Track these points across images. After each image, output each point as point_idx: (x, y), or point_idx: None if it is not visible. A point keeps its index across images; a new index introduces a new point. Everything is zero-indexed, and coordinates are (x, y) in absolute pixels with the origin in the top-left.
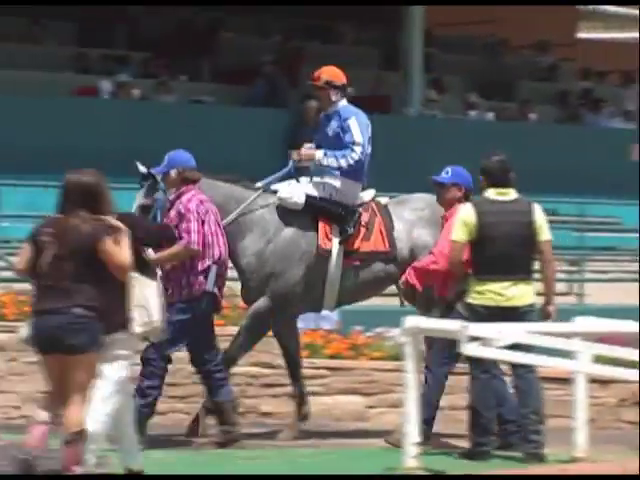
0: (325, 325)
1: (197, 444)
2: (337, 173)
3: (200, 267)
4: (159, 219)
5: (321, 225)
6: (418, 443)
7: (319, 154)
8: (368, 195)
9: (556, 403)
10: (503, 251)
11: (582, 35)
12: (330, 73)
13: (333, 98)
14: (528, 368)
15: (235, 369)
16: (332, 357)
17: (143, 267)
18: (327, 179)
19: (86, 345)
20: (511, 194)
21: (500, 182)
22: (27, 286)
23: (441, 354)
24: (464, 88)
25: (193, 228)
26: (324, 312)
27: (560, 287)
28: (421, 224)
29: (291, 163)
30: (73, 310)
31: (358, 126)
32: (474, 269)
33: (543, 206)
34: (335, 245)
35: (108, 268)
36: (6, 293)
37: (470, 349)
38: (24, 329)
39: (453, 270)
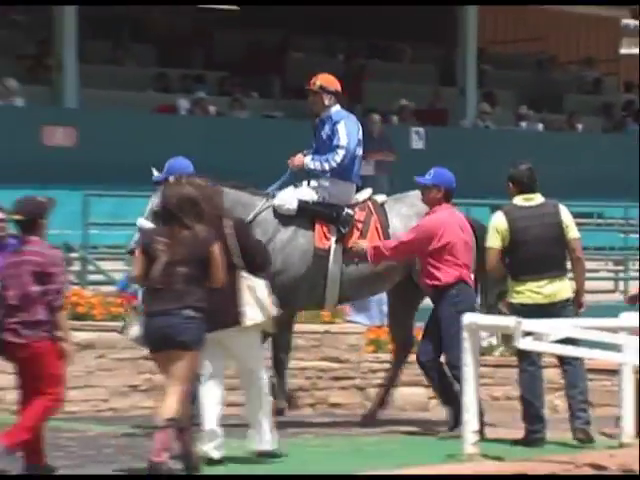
0: (375, 321)
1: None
2: (328, 175)
3: None
4: None
5: (317, 226)
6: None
7: (307, 160)
8: (364, 195)
9: (603, 393)
10: (536, 252)
11: (624, 51)
12: (324, 79)
13: (326, 102)
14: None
15: (306, 363)
16: None
17: (254, 268)
18: (321, 182)
19: (193, 343)
20: (537, 199)
21: (527, 189)
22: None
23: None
24: (515, 101)
25: None
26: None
27: (607, 285)
28: (417, 218)
29: (289, 170)
30: (183, 311)
31: (345, 129)
32: (511, 271)
33: (590, 210)
34: (333, 244)
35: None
36: (95, 295)
37: (524, 343)
38: (134, 329)
39: (491, 274)
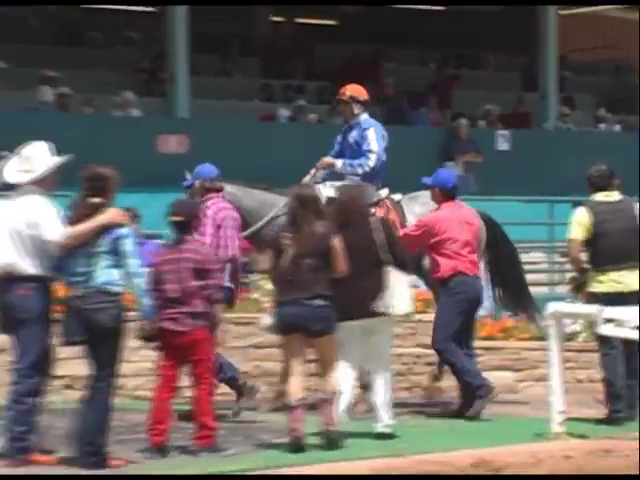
0: (479, 312)
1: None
2: (357, 178)
3: None
4: None
5: None
6: None
7: (338, 163)
8: (383, 193)
9: None
10: (616, 244)
11: None
12: (354, 90)
13: (355, 111)
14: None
15: (403, 350)
16: (486, 338)
17: (398, 263)
18: (346, 182)
19: (328, 328)
20: (615, 196)
21: (603, 187)
22: None
23: None
24: (594, 104)
25: (207, 232)
26: None
27: None
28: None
29: (314, 170)
30: (314, 301)
31: (375, 136)
32: (593, 262)
33: None
34: None
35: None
36: None
37: (606, 330)
38: (266, 318)
39: (573, 264)
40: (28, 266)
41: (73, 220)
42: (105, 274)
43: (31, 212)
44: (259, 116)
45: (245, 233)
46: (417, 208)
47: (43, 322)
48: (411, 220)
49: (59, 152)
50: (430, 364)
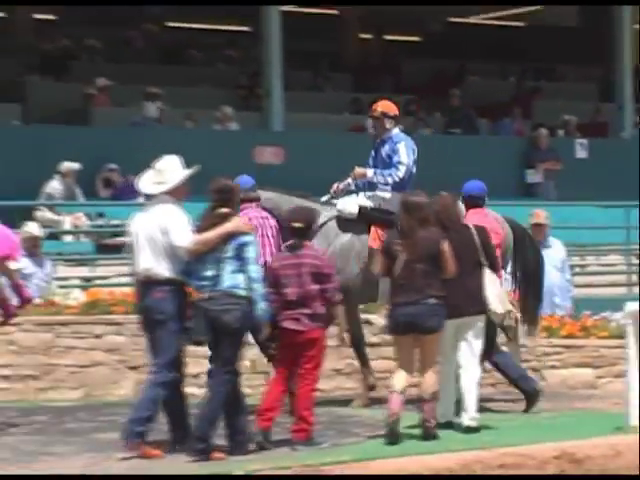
0: (559, 311)
1: None
2: (388, 188)
3: None
4: None
5: (373, 229)
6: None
7: (370, 173)
8: None
9: None
10: None
11: None
12: (385, 106)
13: (387, 126)
14: None
15: None
16: (566, 337)
17: (491, 265)
18: (378, 193)
19: (438, 327)
20: None
21: None
22: None
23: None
24: None
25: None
26: (558, 301)
27: None
28: None
29: (349, 180)
30: (428, 301)
31: (405, 149)
32: None
33: None
34: None
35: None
36: None
37: None
38: (379, 319)
39: None
40: (164, 270)
41: (201, 228)
42: (231, 278)
43: (164, 220)
44: (348, 128)
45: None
46: None
47: (178, 322)
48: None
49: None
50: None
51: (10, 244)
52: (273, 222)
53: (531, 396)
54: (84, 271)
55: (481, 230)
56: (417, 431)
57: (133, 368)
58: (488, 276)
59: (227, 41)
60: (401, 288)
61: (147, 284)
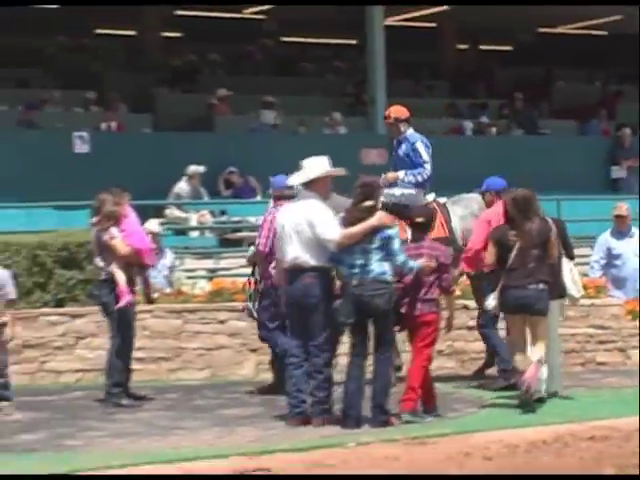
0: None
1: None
2: (411, 184)
3: (268, 265)
4: None
5: (397, 222)
6: None
7: (401, 174)
8: (430, 197)
9: None
10: None
11: None
12: (396, 111)
13: (402, 129)
14: None
15: (576, 330)
16: None
17: (568, 253)
18: (403, 189)
19: (545, 309)
20: None
21: None
22: None
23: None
24: None
25: (261, 234)
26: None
27: None
28: (471, 217)
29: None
30: (537, 285)
31: (424, 148)
32: None
33: None
34: (409, 235)
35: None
36: None
37: None
38: (490, 300)
39: None
40: (311, 259)
41: (348, 222)
42: (378, 266)
43: (311, 214)
44: (446, 131)
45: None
46: (460, 210)
47: (326, 305)
48: (454, 219)
49: (279, 166)
50: (602, 342)
51: (144, 242)
52: None
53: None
54: (209, 263)
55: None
56: (512, 404)
57: (254, 350)
58: (568, 264)
59: (335, 53)
60: (514, 273)
61: (296, 271)
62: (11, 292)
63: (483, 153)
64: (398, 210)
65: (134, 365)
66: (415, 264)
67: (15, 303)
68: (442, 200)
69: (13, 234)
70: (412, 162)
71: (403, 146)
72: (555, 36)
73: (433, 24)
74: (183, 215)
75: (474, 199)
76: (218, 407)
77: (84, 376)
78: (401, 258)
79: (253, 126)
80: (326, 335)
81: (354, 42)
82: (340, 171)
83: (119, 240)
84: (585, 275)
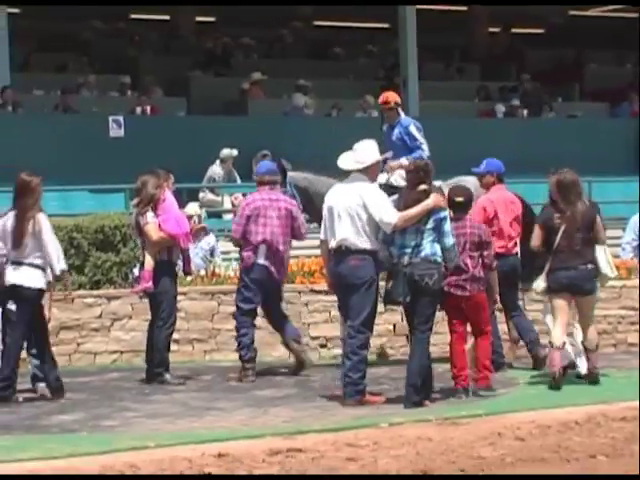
0: None
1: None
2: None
3: (245, 247)
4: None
5: None
6: None
7: (404, 161)
8: None
9: None
10: None
11: None
12: (394, 97)
13: (398, 114)
14: None
15: (608, 312)
16: None
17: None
18: (397, 175)
19: (594, 289)
20: None
21: None
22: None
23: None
24: None
25: (234, 220)
26: None
27: None
28: None
29: (386, 174)
30: (586, 266)
31: (417, 131)
32: None
33: None
34: None
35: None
36: None
37: None
38: (539, 282)
39: None
40: (359, 241)
41: (405, 205)
42: (430, 247)
43: (365, 197)
44: (477, 114)
45: None
46: None
47: (371, 287)
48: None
49: (312, 149)
50: (633, 323)
51: (184, 227)
52: (283, 204)
53: (538, 361)
54: None
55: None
56: (543, 385)
57: None
58: (599, 246)
59: (368, 37)
60: (562, 255)
61: (343, 253)
62: (48, 275)
63: (514, 136)
64: (391, 193)
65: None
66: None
67: (52, 285)
68: (437, 183)
69: (50, 217)
70: (407, 146)
71: (396, 130)
72: (586, 18)
73: (464, 7)
74: (217, 198)
75: (469, 182)
76: (252, 388)
77: (120, 357)
78: (449, 241)
79: (286, 110)
80: (365, 317)
81: (386, 26)
82: (388, 154)
83: (152, 225)
84: (616, 257)
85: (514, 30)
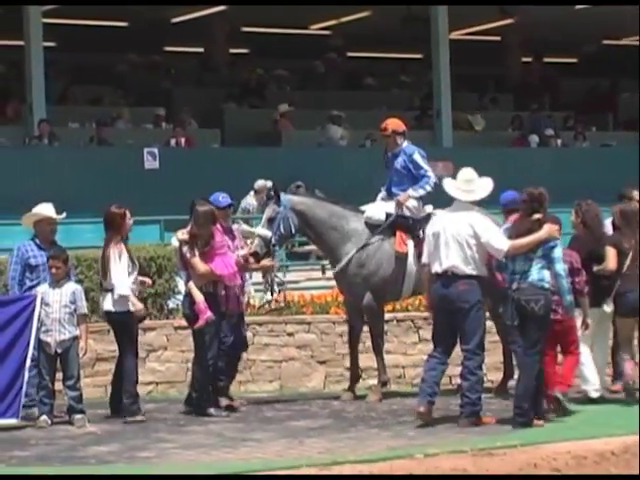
0: None
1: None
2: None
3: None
4: (281, 227)
5: (398, 234)
6: None
7: (412, 192)
8: (429, 209)
9: None
10: None
11: None
12: (394, 124)
13: (398, 142)
14: None
15: None
16: None
17: None
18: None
19: None
20: None
21: None
22: None
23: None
24: None
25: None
26: None
27: None
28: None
29: (397, 210)
30: None
31: (422, 159)
32: None
33: None
34: (411, 248)
35: None
36: None
37: None
38: (607, 305)
39: None
40: (467, 268)
41: (519, 233)
42: (537, 273)
43: (476, 225)
44: (511, 143)
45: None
46: None
47: (480, 310)
48: None
49: (346, 179)
50: None
51: (226, 267)
52: (234, 244)
53: None
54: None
55: None
56: (580, 416)
57: (322, 362)
58: None
59: (401, 68)
60: (629, 278)
61: (450, 277)
62: (83, 307)
63: (549, 165)
64: (407, 225)
65: None
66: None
67: (87, 317)
68: (439, 212)
69: (85, 249)
70: (411, 174)
71: (400, 159)
72: (619, 47)
73: (497, 37)
74: (251, 229)
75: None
76: (287, 419)
77: (155, 388)
78: (560, 269)
79: (320, 140)
80: (478, 339)
81: (419, 56)
82: (490, 185)
83: (198, 259)
84: None
85: (548, 60)
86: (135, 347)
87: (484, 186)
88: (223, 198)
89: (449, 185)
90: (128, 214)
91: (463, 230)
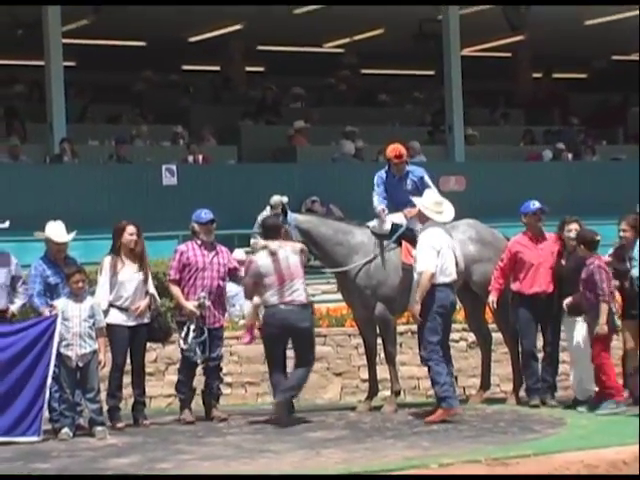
0: None
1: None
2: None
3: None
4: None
5: (404, 245)
6: None
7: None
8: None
9: None
10: None
11: None
12: (404, 150)
13: (407, 167)
14: None
15: None
16: None
17: None
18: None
19: None
20: None
21: None
22: None
23: None
24: None
25: (172, 265)
26: None
27: None
28: (470, 242)
29: (405, 221)
30: None
31: (428, 178)
32: None
33: None
34: (414, 260)
35: None
36: None
37: None
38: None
39: None
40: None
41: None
42: None
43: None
44: (523, 158)
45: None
46: (459, 235)
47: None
48: (455, 244)
49: (360, 195)
50: None
51: None
52: (218, 259)
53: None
54: None
55: None
56: (592, 426)
57: (338, 374)
58: None
59: (414, 84)
60: None
61: (451, 286)
62: (102, 320)
63: (561, 179)
64: (413, 236)
65: (223, 389)
66: None
67: (104, 330)
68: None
69: None
70: (421, 193)
71: (408, 181)
72: (629, 63)
73: (508, 54)
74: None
75: (468, 224)
76: (304, 430)
77: (174, 401)
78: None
79: (335, 156)
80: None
81: (432, 73)
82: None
83: None
84: None
85: (558, 75)
86: (121, 358)
87: (450, 209)
88: (205, 214)
89: (424, 207)
90: (131, 229)
91: (451, 244)
